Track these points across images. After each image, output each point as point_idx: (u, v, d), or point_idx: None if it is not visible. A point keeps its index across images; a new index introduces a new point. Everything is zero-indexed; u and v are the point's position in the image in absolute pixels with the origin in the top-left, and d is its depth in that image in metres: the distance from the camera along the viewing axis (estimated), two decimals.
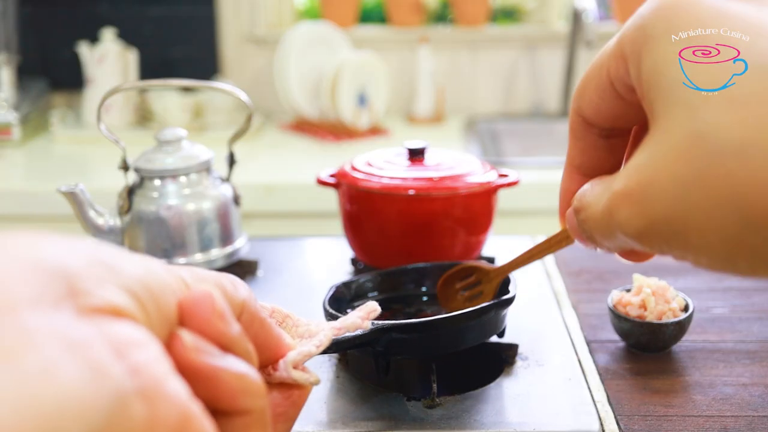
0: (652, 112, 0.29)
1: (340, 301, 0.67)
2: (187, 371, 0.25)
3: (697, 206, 0.27)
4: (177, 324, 0.26)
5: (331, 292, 0.65)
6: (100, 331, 0.21)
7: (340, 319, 0.38)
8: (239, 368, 0.26)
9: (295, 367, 0.32)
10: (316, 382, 0.32)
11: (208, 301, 0.26)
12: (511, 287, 0.63)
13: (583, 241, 0.35)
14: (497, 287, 0.63)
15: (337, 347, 0.53)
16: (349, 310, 0.68)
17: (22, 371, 0.19)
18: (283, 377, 0.31)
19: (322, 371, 0.63)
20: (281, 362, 0.31)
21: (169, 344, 0.25)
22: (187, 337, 0.25)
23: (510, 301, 0.61)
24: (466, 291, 0.66)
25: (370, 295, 0.70)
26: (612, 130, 0.35)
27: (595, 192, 0.32)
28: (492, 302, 0.59)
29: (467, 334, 0.59)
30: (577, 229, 0.35)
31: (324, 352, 0.49)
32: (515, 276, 0.65)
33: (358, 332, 0.54)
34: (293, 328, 0.37)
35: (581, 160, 0.37)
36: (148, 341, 0.22)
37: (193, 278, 0.27)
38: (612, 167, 0.36)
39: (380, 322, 0.56)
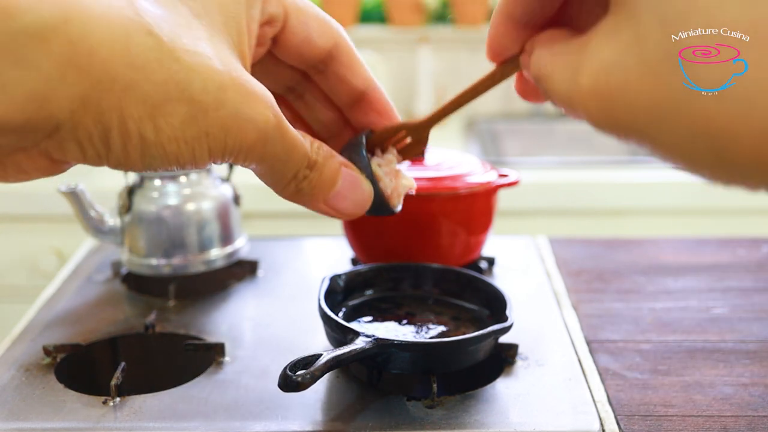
0: None
1: (334, 294, 0.67)
2: None
3: (667, 126, 0.27)
4: None
5: (326, 286, 0.65)
6: None
7: None
8: None
9: None
10: None
11: None
12: (508, 312, 0.63)
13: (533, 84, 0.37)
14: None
15: (340, 363, 0.54)
16: (343, 309, 0.69)
17: None
18: None
19: None
20: None
21: None
22: None
23: (510, 327, 0.61)
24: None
25: (365, 292, 0.71)
26: None
27: (556, 65, 0.32)
28: (494, 329, 0.59)
29: (465, 356, 0.59)
30: (533, 79, 0.36)
31: (328, 369, 0.52)
32: (512, 300, 0.65)
33: (359, 347, 0.55)
34: None
35: (518, 10, 0.36)
36: None
37: None
38: (548, 16, 0.36)
39: (383, 337, 0.56)
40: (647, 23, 0.27)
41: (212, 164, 0.34)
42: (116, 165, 0.32)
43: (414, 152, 0.47)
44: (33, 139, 0.29)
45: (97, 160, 0.31)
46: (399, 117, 0.46)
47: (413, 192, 0.49)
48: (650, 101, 0.27)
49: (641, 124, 0.28)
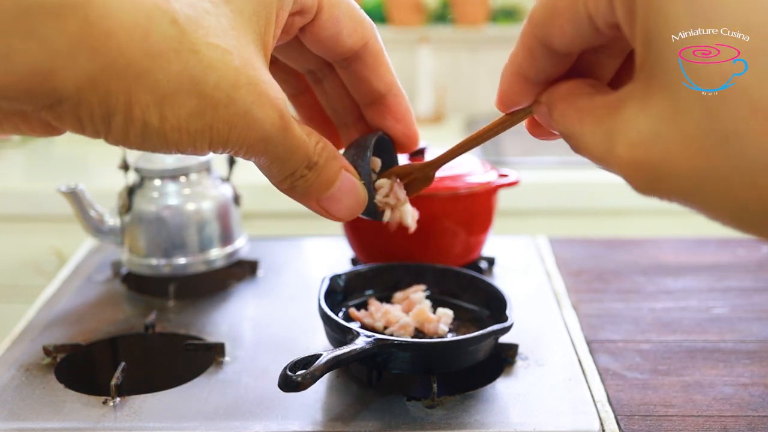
0: (648, 66, 0.28)
1: (334, 294, 0.67)
2: None
3: (715, 196, 0.27)
4: None
5: (326, 286, 0.65)
6: None
7: None
8: None
9: None
10: None
11: None
12: (508, 312, 0.63)
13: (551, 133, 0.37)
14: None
15: (340, 363, 0.54)
16: (343, 309, 0.69)
17: None
18: None
19: None
20: None
21: None
22: None
23: (510, 327, 0.61)
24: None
25: (365, 292, 0.71)
26: (579, 53, 0.34)
27: (586, 126, 0.32)
28: (494, 329, 0.59)
29: (465, 356, 0.59)
30: (552, 126, 0.35)
31: (328, 369, 0.52)
32: (512, 300, 0.65)
33: (359, 347, 0.55)
34: None
35: (533, 72, 0.35)
36: None
37: None
38: (562, 76, 0.35)
39: (383, 337, 0.56)
40: (686, 97, 0.27)
41: (211, 152, 0.34)
42: (114, 143, 0.32)
43: (419, 188, 0.48)
44: (32, 107, 0.29)
45: (94, 136, 0.31)
46: (416, 125, 0.46)
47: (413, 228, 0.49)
48: (695, 173, 0.27)
49: (686, 192, 0.28)
